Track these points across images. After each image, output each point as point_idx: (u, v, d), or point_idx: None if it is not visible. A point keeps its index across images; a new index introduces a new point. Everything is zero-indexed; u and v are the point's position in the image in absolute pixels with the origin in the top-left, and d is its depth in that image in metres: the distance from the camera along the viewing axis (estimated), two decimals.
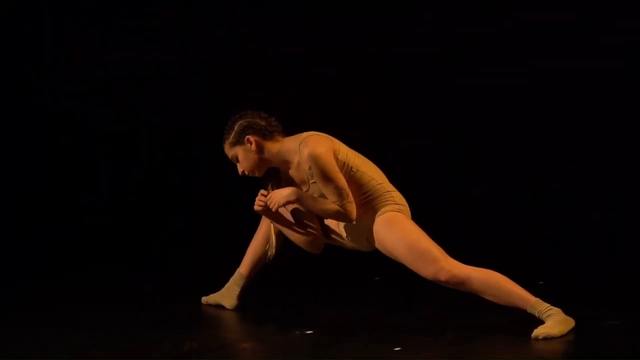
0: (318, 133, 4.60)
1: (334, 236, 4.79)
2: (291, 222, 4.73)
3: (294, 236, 4.75)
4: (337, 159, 4.52)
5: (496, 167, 6.90)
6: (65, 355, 4.17)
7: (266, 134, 4.63)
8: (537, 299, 4.37)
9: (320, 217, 4.70)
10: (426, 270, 4.44)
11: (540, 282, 5.39)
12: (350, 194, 4.49)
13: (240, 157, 4.65)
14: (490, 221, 6.82)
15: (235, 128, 4.64)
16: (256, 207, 4.67)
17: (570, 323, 4.34)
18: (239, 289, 5.10)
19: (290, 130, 4.72)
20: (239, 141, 4.63)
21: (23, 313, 5.10)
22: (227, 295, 5.13)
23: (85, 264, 6.47)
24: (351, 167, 4.56)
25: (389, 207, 4.56)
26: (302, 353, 4.25)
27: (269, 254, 4.85)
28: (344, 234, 4.73)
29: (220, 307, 5.14)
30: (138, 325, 4.78)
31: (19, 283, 5.90)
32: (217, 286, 5.16)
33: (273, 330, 4.67)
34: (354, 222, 4.59)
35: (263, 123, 4.65)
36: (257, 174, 4.69)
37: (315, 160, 4.46)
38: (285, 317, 4.91)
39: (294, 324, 4.69)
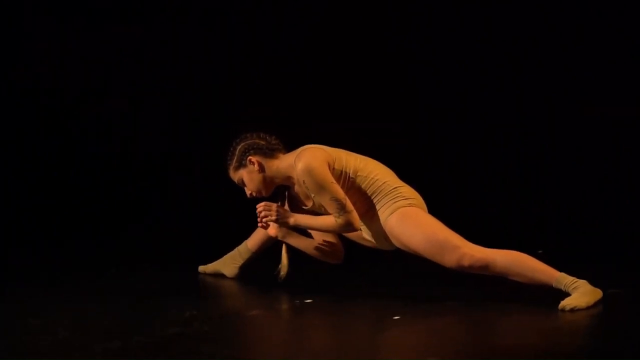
0: (313, 146, 4.58)
1: (355, 239, 4.78)
2: (304, 240, 4.76)
3: (310, 250, 4.77)
4: (333, 169, 4.51)
5: (496, 167, 6.93)
6: (65, 323, 4.15)
7: (267, 153, 4.64)
8: (562, 273, 4.29)
9: None
10: (449, 260, 4.39)
11: (540, 251, 5.38)
12: (349, 204, 4.48)
13: (245, 180, 4.67)
14: (490, 221, 6.80)
15: (237, 152, 4.66)
16: (260, 225, 4.70)
17: (597, 294, 4.26)
18: (242, 261, 5.10)
19: (291, 133, 4.72)
20: (241, 164, 4.65)
21: (21, 284, 5.14)
22: (229, 264, 5.13)
23: (82, 264, 6.40)
24: (350, 174, 4.55)
25: (400, 203, 4.51)
26: (305, 320, 4.27)
27: (282, 273, 4.79)
28: (366, 237, 4.71)
29: (218, 276, 5.15)
30: (136, 294, 4.77)
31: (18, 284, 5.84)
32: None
33: (272, 300, 4.70)
34: (361, 229, 4.60)
35: (263, 142, 4.66)
36: (264, 194, 4.69)
37: (308, 174, 4.46)
38: (285, 287, 4.87)
39: (293, 293, 4.70)
